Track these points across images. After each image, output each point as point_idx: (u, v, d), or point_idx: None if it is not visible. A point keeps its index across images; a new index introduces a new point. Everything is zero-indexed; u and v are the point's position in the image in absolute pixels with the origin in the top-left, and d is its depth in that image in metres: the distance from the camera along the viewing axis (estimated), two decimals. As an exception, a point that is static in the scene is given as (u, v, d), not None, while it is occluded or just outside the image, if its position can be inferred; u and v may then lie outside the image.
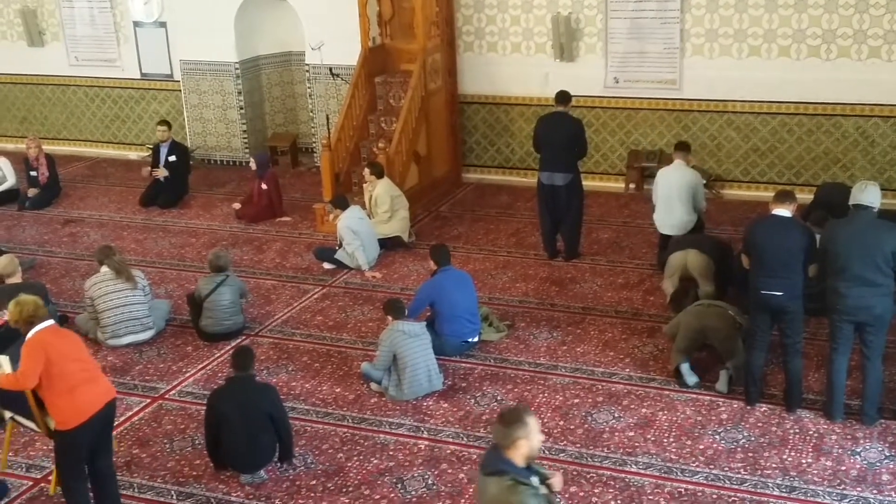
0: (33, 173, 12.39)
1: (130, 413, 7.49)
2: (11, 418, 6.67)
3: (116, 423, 7.27)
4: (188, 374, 8.05)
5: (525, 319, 8.78)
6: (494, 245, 10.59)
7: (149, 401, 7.67)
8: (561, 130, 9.70)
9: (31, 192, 12.34)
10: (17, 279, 8.64)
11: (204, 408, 7.40)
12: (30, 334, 5.89)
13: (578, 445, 6.83)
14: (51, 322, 6.02)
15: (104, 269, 8.52)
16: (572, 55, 11.87)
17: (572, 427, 7.05)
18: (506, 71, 12.25)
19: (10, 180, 12.57)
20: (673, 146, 9.93)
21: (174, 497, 6.45)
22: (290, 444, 6.68)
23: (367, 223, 10.13)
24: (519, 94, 12.30)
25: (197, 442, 7.02)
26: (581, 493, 6.30)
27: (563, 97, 9.87)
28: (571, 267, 9.92)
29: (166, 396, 7.74)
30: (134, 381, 7.98)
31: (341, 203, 10.12)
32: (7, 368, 6.17)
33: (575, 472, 6.52)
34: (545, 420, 7.14)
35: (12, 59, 14.67)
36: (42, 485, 6.63)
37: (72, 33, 14.21)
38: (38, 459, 6.93)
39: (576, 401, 7.42)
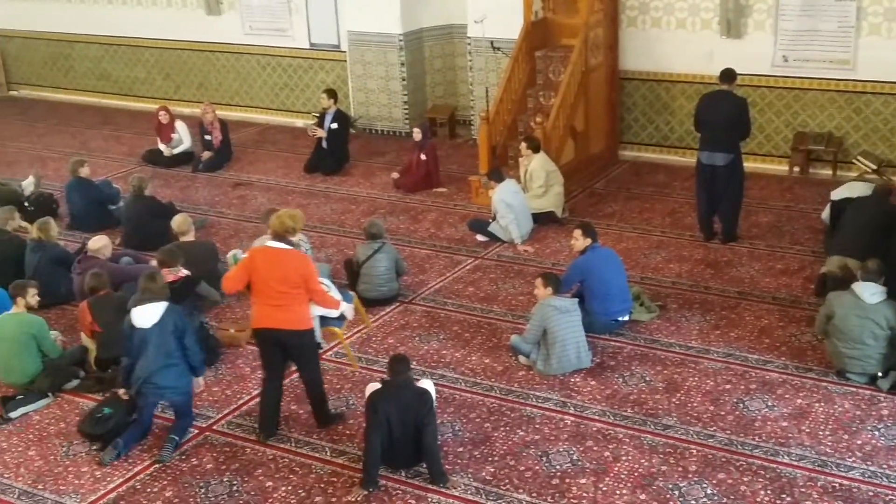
0: (207, 137, 13.00)
1: (289, 371, 7.84)
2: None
3: (277, 378, 7.71)
4: (344, 336, 8.34)
5: (677, 301, 8.69)
6: (649, 224, 10.48)
7: (307, 360, 8.03)
8: (724, 109, 9.48)
9: (205, 155, 12.95)
10: (189, 237, 9.16)
11: (360, 371, 7.71)
12: (265, 243, 6.84)
13: (729, 432, 6.75)
14: (281, 245, 6.68)
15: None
16: (740, 32, 11.53)
17: (723, 413, 6.97)
18: (669, 47, 12.02)
19: (186, 143, 13.25)
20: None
21: (328, 453, 6.75)
22: (437, 455, 6.41)
23: (522, 197, 10.20)
24: (681, 71, 12.05)
25: (350, 402, 7.32)
26: (730, 481, 6.23)
27: (728, 75, 9.62)
28: (728, 250, 9.72)
29: (323, 356, 8.03)
30: (294, 340, 8.36)
31: (497, 176, 10.22)
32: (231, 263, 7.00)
33: (724, 459, 6.45)
34: (695, 404, 7.09)
35: (191, 27, 15.38)
36: (206, 433, 7.07)
37: (247, 3, 14.74)
38: (203, 409, 7.38)
39: (727, 387, 7.31)
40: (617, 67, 12.26)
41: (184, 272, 8.05)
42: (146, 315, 6.80)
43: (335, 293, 7.68)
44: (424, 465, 6.44)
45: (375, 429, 6.27)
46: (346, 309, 7.66)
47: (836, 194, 9.47)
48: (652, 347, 7.94)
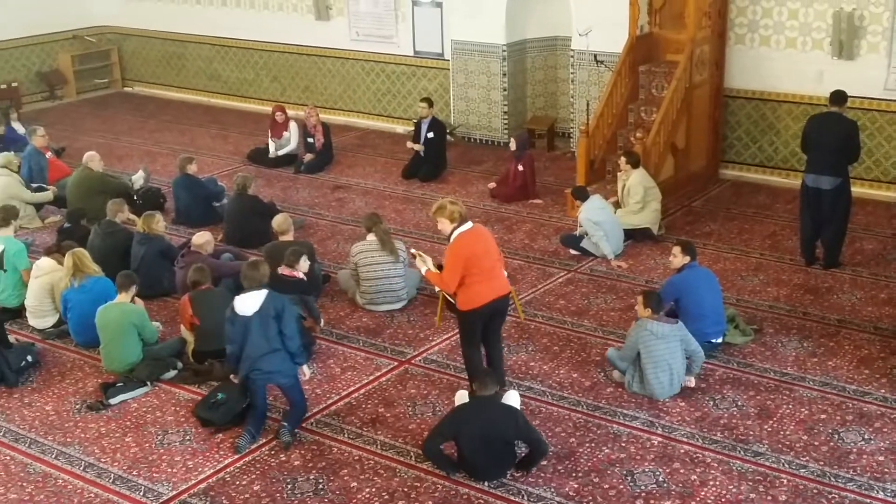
0: (310, 140, 13.26)
1: (379, 373, 7.96)
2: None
3: (367, 380, 7.85)
4: (433, 343, 8.43)
5: (774, 326, 8.50)
6: (748, 246, 10.28)
7: (396, 364, 8.11)
8: (833, 132, 9.25)
9: (307, 157, 13.19)
10: (289, 237, 9.36)
11: (445, 375, 7.77)
12: (454, 235, 6.95)
13: (822, 463, 6.57)
14: (470, 224, 6.98)
15: (370, 236, 9.01)
16: (852, 54, 11.22)
17: (816, 443, 6.79)
18: (777, 66, 11.77)
19: (293, 144, 13.49)
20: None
21: (412, 458, 6.81)
22: (537, 460, 6.63)
23: (609, 212, 10.09)
24: (789, 91, 11.79)
25: (437, 409, 7.37)
26: (819, 513, 6.09)
27: (838, 97, 9.40)
28: (829, 276, 9.46)
29: (412, 361, 8.15)
30: (384, 343, 8.47)
31: (581, 195, 10.15)
32: (430, 265, 7.07)
33: (815, 491, 6.29)
34: (787, 433, 6.92)
35: (301, 31, 15.69)
36: (296, 431, 7.21)
37: (355, 9, 14.97)
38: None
39: (822, 416, 7.12)
40: (722, 85, 12.06)
41: (300, 274, 8.25)
42: (248, 303, 7.01)
43: None
44: (509, 477, 6.48)
45: (442, 436, 6.53)
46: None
47: None
48: (745, 371, 7.79)
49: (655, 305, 7.49)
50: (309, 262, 8.59)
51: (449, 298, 7.33)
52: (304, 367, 7.43)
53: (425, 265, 7.08)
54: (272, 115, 13.63)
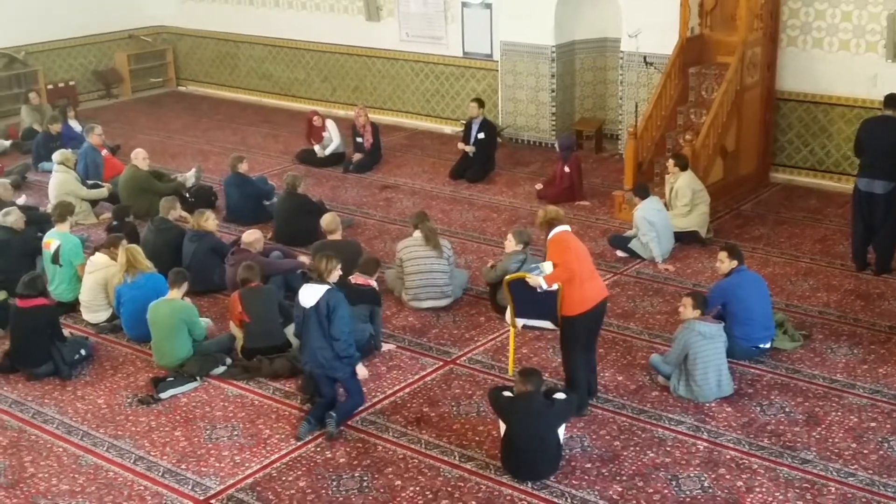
0: (359, 140, 13.35)
1: (424, 373, 8.01)
2: (523, 326, 7.60)
3: (412, 379, 7.90)
4: (479, 343, 8.46)
5: (823, 332, 8.40)
6: (797, 250, 10.16)
7: (441, 363, 8.16)
8: (887, 135, 9.14)
9: (356, 157, 13.30)
10: (337, 236, 9.46)
11: (490, 376, 7.79)
12: (555, 231, 7.07)
13: (871, 472, 6.49)
14: (567, 226, 7.14)
15: (417, 233, 9.09)
16: (907, 56, 11.07)
17: (865, 452, 6.71)
18: (830, 69, 11.62)
19: (336, 140, 13.61)
20: None
21: (457, 458, 6.85)
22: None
23: (665, 215, 10.05)
24: (842, 94, 11.63)
25: (481, 409, 7.40)
26: (866, 522, 6.01)
27: (893, 100, 9.27)
28: (881, 282, 9.32)
29: (457, 361, 8.19)
30: (429, 343, 8.52)
31: (642, 192, 10.11)
32: (546, 269, 7.01)
33: (864, 500, 6.22)
34: (836, 440, 6.85)
35: (351, 32, 15.80)
36: (341, 428, 7.28)
37: (405, 10, 15.05)
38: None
39: (872, 424, 7.03)
40: (773, 87, 11.94)
41: (373, 283, 8.33)
42: (308, 295, 7.19)
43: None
44: (553, 479, 6.50)
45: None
46: None
47: None
48: (793, 377, 7.71)
49: (704, 306, 7.52)
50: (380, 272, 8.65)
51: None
52: (359, 368, 7.57)
53: (542, 273, 7.01)
54: (309, 121, 13.81)
